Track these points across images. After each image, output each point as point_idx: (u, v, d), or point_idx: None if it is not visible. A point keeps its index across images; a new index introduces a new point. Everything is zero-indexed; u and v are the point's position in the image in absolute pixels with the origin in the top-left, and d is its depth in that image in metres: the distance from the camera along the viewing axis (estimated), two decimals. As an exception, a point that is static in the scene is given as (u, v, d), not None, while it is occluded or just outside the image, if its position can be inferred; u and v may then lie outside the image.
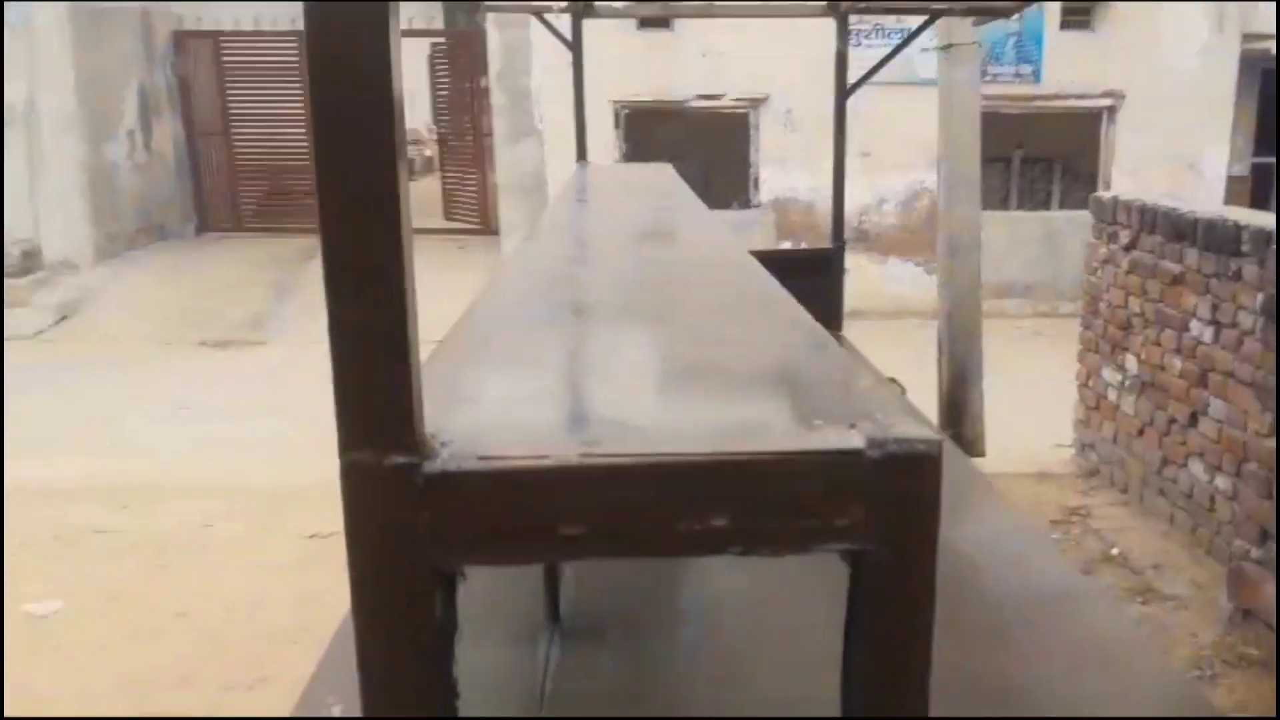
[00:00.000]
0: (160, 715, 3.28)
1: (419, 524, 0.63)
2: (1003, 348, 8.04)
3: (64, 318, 9.45)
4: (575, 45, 4.36)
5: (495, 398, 0.80)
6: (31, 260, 9.93)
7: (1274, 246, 3.79)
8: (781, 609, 1.75)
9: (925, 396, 5.76)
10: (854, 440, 0.66)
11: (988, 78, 9.57)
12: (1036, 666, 1.69)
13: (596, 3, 4.38)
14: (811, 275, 4.04)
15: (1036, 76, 9.59)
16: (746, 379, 0.88)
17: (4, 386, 6.60)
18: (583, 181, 2.90)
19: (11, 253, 9.86)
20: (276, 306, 9.85)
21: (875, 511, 0.65)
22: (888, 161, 9.46)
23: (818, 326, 1.05)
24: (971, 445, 5.16)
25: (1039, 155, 10.56)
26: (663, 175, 2.93)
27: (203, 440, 6.05)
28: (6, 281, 9.52)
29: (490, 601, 1.61)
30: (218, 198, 12.17)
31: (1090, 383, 5.38)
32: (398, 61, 0.61)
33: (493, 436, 0.69)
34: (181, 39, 11.81)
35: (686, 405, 0.79)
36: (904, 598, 0.66)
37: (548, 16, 4.59)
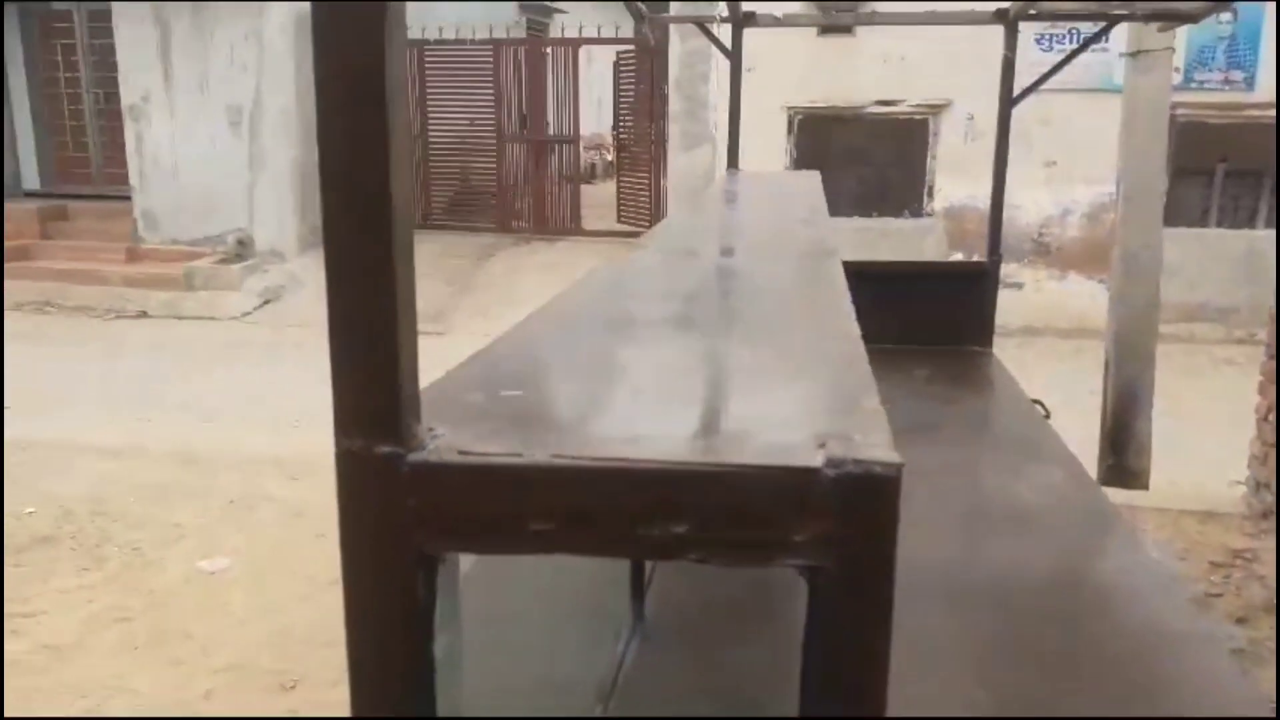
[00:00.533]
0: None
1: (404, 510, 0.70)
2: (1186, 375, 7.50)
3: (267, 302, 10.30)
4: (735, 55, 4.40)
5: (510, 396, 0.87)
6: (244, 248, 10.88)
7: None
8: None
9: (1090, 422, 5.48)
10: (814, 459, 0.68)
11: (1192, 84, 8.94)
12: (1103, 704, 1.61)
13: (757, 12, 4.40)
14: (963, 290, 3.91)
15: (1250, 84, 8.86)
16: (753, 393, 0.91)
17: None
18: (717, 190, 2.93)
19: (227, 240, 10.83)
20: (456, 300, 10.38)
21: (832, 530, 0.67)
22: (1075, 172, 8.98)
23: (856, 344, 1.06)
24: (1134, 477, 4.85)
25: (1246, 168, 9.75)
26: (804, 183, 2.93)
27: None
28: (223, 266, 10.49)
29: (578, 597, 1.68)
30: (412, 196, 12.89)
31: (1269, 417, 4.94)
32: (397, 60, 0.67)
33: (486, 432, 0.75)
34: (387, 46, 12.57)
35: (681, 414, 0.83)
36: (859, 616, 0.69)
37: (711, 27, 4.65)
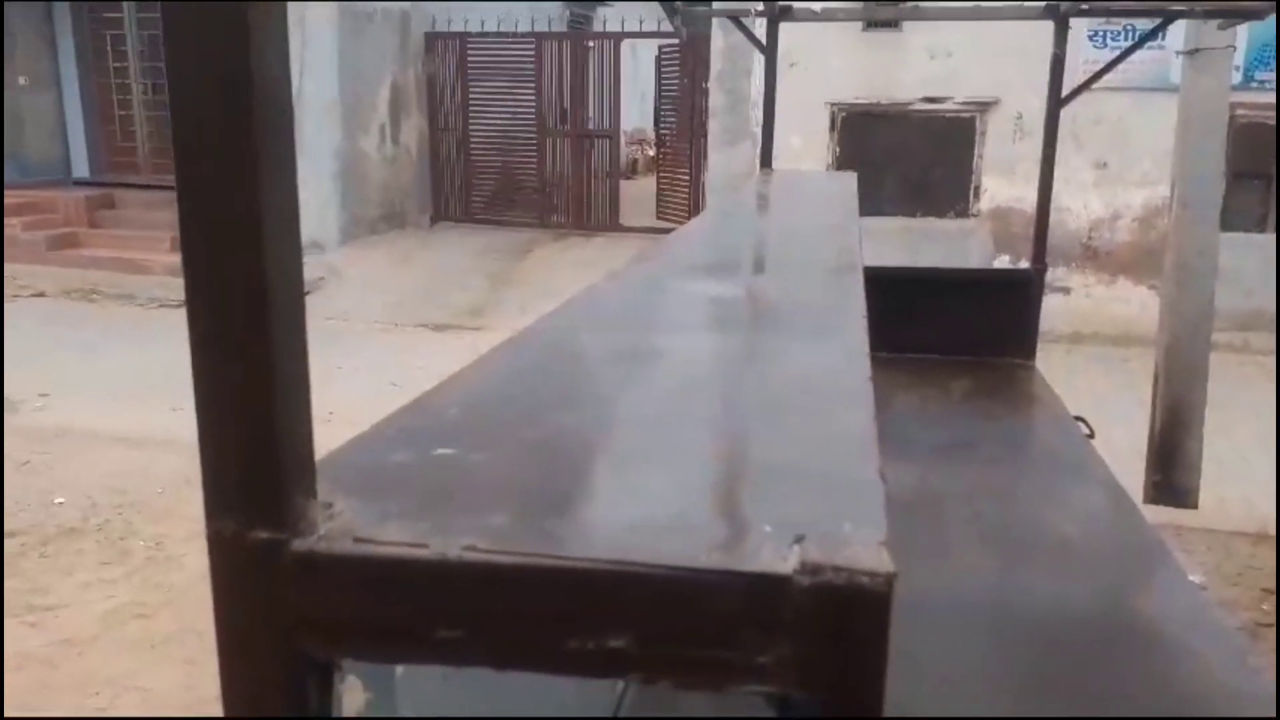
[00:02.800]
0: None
1: (285, 608, 0.59)
2: (1241, 387, 7.20)
3: (307, 293, 10.30)
4: (770, 49, 4.24)
5: (442, 456, 0.75)
6: (284, 240, 10.90)
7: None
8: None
9: (1137, 435, 5.25)
10: (784, 563, 0.56)
11: (1253, 84, 8.59)
12: None
13: (794, 5, 4.24)
14: (1006, 298, 3.73)
15: (1317, 83, 8.49)
16: (723, 459, 0.78)
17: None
18: (746, 192, 2.79)
19: (268, 233, 10.85)
20: (495, 295, 10.33)
21: (804, 652, 0.55)
22: (1127, 174, 8.69)
23: (861, 387, 0.93)
24: (1183, 496, 4.63)
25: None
26: (837, 186, 2.78)
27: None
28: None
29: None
30: (452, 190, 12.89)
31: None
32: (272, 67, 0.55)
33: (398, 509, 0.63)
34: (432, 39, 12.56)
35: (631, 490, 0.71)
36: None
37: (748, 21, 4.50)
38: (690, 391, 0.98)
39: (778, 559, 0.56)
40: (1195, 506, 4.72)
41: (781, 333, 1.22)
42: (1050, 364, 6.67)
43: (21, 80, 12.11)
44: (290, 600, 0.58)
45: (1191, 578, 4.06)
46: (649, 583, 0.56)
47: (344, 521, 0.61)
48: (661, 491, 0.71)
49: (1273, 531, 4.43)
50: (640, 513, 0.66)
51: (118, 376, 7.77)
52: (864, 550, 0.56)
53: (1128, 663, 1.77)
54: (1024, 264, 8.35)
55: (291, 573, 0.58)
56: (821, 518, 0.62)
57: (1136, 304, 8.76)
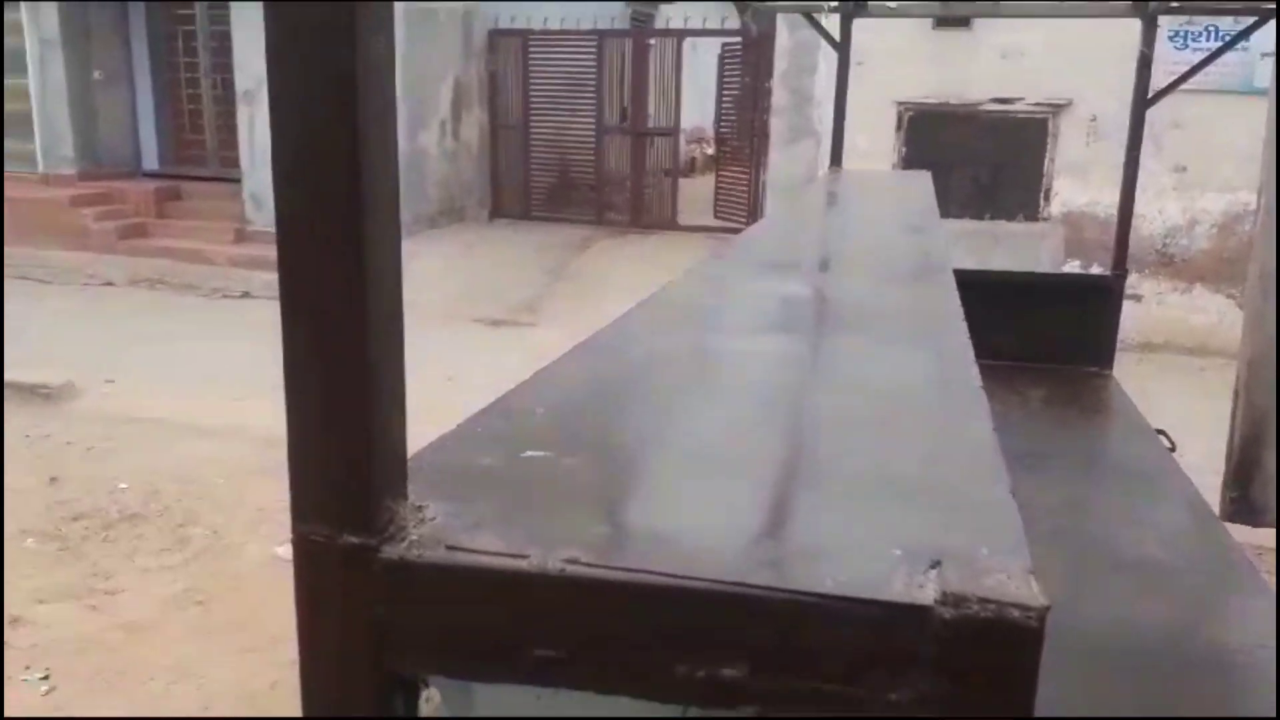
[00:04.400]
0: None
1: (372, 618, 0.54)
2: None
3: (366, 288, 10.42)
4: (843, 46, 4.15)
5: (533, 458, 0.70)
6: (346, 234, 11.03)
7: None
8: None
9: (1212, 449, 5.05)
10: (921, 591, 0.49)
11: (1346, 87, 8.25)
12: None
13: (869, 2, 4.14)
14: (1083, 305, 3.60)
15: None
16: (843, 477, 0.72)
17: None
18: (818, 190, 2.72)
19: (330, 226, 10.99)
20: (550, 291, 10.32)
21: (943, 691, 0.48)
22: (1207, 179, 8.40)
23: (976, 400, 0.86)
24: (1261, 514, 4.42)
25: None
26: (913, 185, 2.69)
27: (454, 408, 6.43)
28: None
29: None
30: (511, 186, 12.93)
31: None
32: (376, 69, 0.51)
33: (492, 514, 0.58)
34: (494, 37, 12.62)
35: (747, 506, 0.65)
36: None
37: (819, 17, 4.40)
38: (789, 397, 0.92)
39: (914, 587, 0.50)
40: (1274, 525, 4.51)
41: (877, 337, 1.15)
42: (1121, 373, 6.45)
43: (96, 74, 12.41)
44: (379, 610, 0.54)
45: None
46: (770, 608, 0.50)
47: (436, 527, 0.56)
48: (773, 506, 0.65)
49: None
50: (753, 529, 0.61)
51: (181, 365, 7.90)
52: (1010, 580, 0.50)
53: (1212, 688, 1.67)
54: (1096, 270, 8.13)
55: (381, 581, 0.53)
56: (953, 541, 0.55)
57: (1214, 313, 8.47)
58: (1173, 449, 2.85)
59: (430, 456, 0.67)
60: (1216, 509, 4.96)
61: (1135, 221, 9.80)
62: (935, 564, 0.52)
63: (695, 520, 0.62)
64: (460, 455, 0.69)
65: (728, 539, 0.58)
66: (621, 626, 0.52)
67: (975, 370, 0.96)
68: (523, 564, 0.53)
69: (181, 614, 4.14)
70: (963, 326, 1.15)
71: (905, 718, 0.49)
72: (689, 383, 0.95)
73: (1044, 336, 3.54)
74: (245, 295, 10.40)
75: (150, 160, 13.09)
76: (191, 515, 5.06)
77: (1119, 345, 8.48)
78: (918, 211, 2.31)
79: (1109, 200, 8.61)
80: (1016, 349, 3.52)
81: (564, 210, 12.55)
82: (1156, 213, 8.90)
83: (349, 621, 0.54)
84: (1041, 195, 9.27)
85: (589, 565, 0.53)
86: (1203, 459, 5.25)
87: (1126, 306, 9.56)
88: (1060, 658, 1.75)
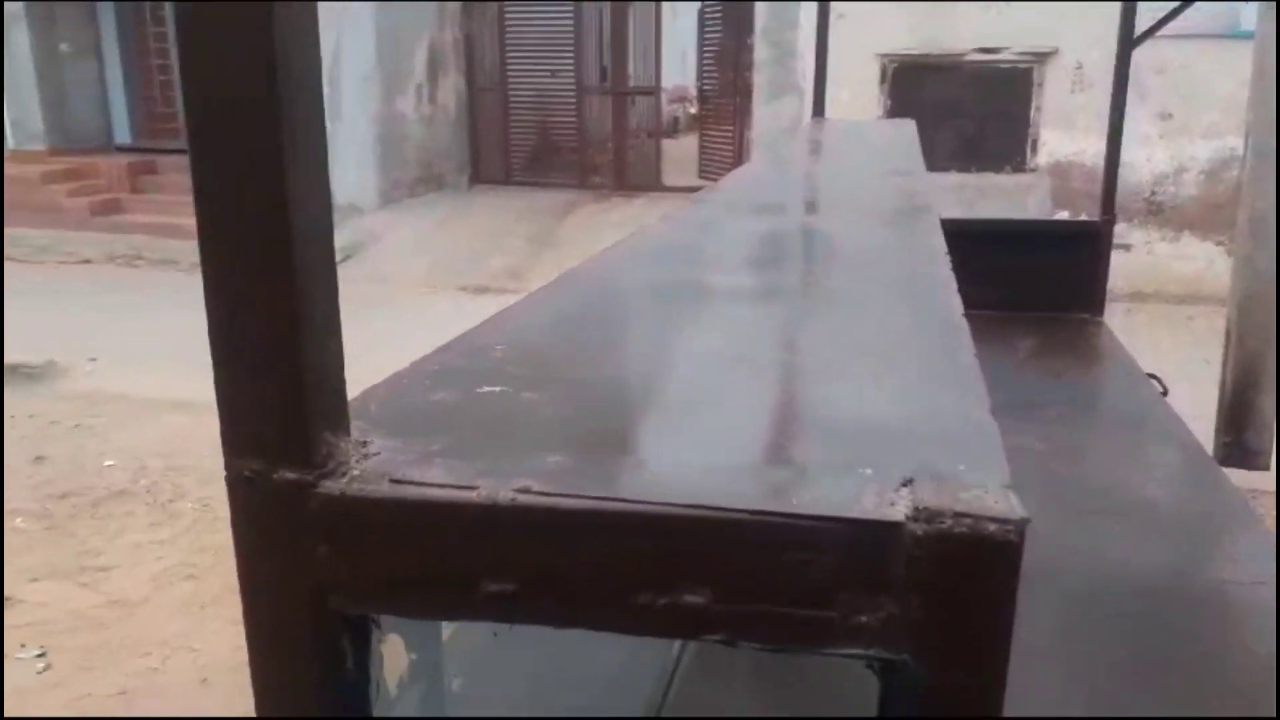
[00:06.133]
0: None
1: (314, 556, 0.51)
2: (1318, 345, 6.91)
3: (346, 258, 10.32)
4: (822, -4, 4.07)
5: (488, 394, 0.66)
6: (326, 204, 10.92)
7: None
8: None
9: (1203, 396, 5.06)
10: (893, 509, 0.46)
11: (1330, 27, 8.19)
12: None
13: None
14: (1071, 252, 3.57)
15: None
16: (815, 400, 0.69)
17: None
18: (801, 138, 2.66)
19: (310, 197, 10.88)
20: (533, 257, 10.25)
21: (916, 612, 0.46)
22: (1193, 125, 8.35)
23: (958, 330, 0.83)
24: (1254, 457, 4.44)
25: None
26: (896, 132, 2.64)
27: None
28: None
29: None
30: (491, 151, 12.79)
31: None
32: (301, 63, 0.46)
33: (441, 448, 0.55)
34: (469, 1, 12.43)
35: (713, 431, 0.62)
36: None
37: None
38: (759, 331, 0.89)
39: (884, 504, 0.47)
40: (1268, 468, 4.53)
41: (857, 272, 1.11)
42: (1111, 323, 6.42)
43: (63, 47, 12.18)
44: (320, 548, 0.50)
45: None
46: (732, 530, 0.47)
47: (380, 462, 0.52)
48: (740, 432, 0.62)
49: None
50: (716, 455, 0.57)
51: (163, 341, 7.80)
52: (987, 495, 0.47)
53: (1207, 625, 1.66)
54: (1084, 218, 8.09)
55: (320, 517, 0.50)
56: (929, 459, 0.52)
57: (1203, 260, 8.46)
58: (1165, 393, 2.84)
59: (380, 393, 0.64)
60: (1210, 453, 4.98)
61: (1122, 170, 9.73)
62: (908, 481, 0.49)
63: (656, 449, 0.59)
64: (412, 391, 0.66)
65: (689, 466, 0.55)
66: (577, 557, 0.49)
67: (957, 301, 0.93)
68: (472, 495, 0.50)
69: (173, 589, 4.12)
70: (946, 261, 1.12)
71: (877, 644, 0.47)
72: (657, 318, 0.92)
73: (1033, 285, 3.52)
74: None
75: (122, 133, 12.90)
76: (179, 490, 5.03)
77: (1108, 295, 8.46)
78: (901, 156, 2.27)
79: (1096, 149, 8.56)
80: (1007, 299, 3.49)
81: (546, 174, 12.43)
82: (1144, 160, 8.86)
83: (288, 561, 0.51)
84: (1028, 146, 9.22)
85: (542, 494, 0.50)
86: (1192, 406, 5.26)
87: (1116, 256, 9.53)
88: (1056, 598, 1.74)
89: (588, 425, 0.62)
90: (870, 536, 0.46)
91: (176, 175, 11.84)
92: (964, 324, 0.87)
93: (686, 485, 0.50)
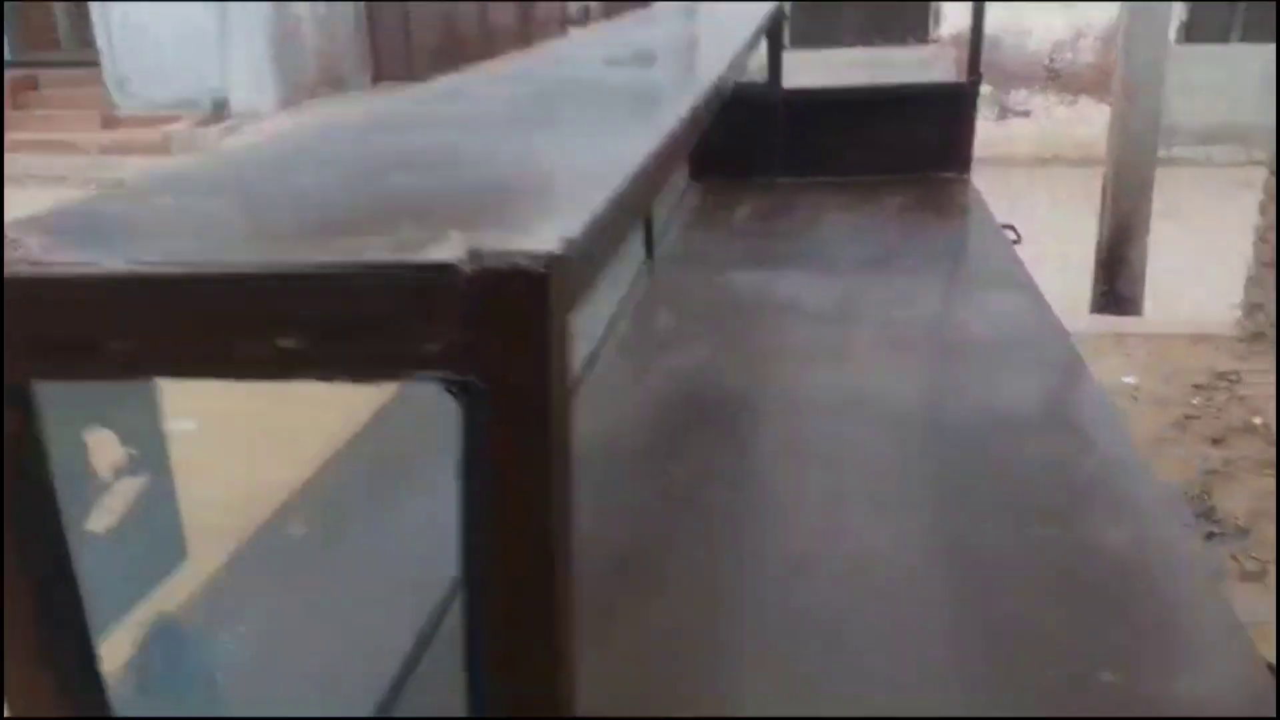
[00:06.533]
0: None
1: None
2: (1196, 199, 7.19)
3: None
4: None
5: (171, 204, 0.71)
6: (220, 109, 10.55)
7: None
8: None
9: (1091, 250, 5.26)
10: (445, 252, 0.53)
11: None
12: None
13: None
14: (940, 113, 3.64)
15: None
16: (443, 193, 0.76)
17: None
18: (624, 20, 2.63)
19: (202, 102, 10.50)
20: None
21: (471, 337, 0.53)
22: (1089, -11, 8.42)
23: (658, 127, 0.89)
24: (1127, 304, 4.68)
25: (1275, -25, 9.11)
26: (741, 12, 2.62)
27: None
28: (198, 130, 10.21)
29: None
30: (392, 48, 12.40)
31: (1268, 236, 4.69)
32: None
33: (79, 243, 0.60)
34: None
35: (323, 214, 0.69)
36: (514, 440, 0.55)
37: None
38: (468, 141, 0.94)
39: (445, 251, 0.54)
40: (1140, 313, 4.77)
41: (603, 95, 1.17)
42: (1012, 188, 6.55)
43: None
44: None
45: (1126, 379, 4.13)
46: (310, 283, 0.55)
47: (24, 252, 0.58)
48: (344, 207, 0.70)
49: (1214, 332, 4.49)
50: (320, 226, 0.65)
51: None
52: (533, 239, 0.54)
53: (1019, 451, 1.78)
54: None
55: None
56: (514, 226, 0.60)
57: (1099, 125, 8.63)
58: (1018, 241, 2.96)
59: (45, 213, 0.68)
60: (1086, 302, 5.21)
61: (1022, 38, 9.82)
62: (473, 233, 0.56)
63: (267, 224, 0.65)
64: (94, 205, 0.71)
65: (290, 234, 0.61)
66: (183, 315, 0.55)
67: (674, 114, 0.99)
68: (90, 269, 0.56)
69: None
70: (692, 93, 1.17)
71: (447, 368, 0.54)
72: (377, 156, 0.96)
73: (904, 148, 3.59)
74: (121, 183, 9.95)
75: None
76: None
77: (1010, 161, 8.56)
78: (743, 23, 2.28)
79: (993, 20, 8.60)
80: (879, 163, 3.58)
81: (451, 69, 12.09)
82: (1043, 26, 8.94)
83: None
84: (930, 18, 9.23)
85: (148, 264, 0.56)
86: (1081, 260, 5.48)
87: (1017, 122, 9.66)
88: (867, 423, 1.86)
89: (230, 221, 0.68)
90: (430, 277, 0.53)
91: (60, 89, 11.31)
92: (672, 126, 0.93)
93: (281, 246, 0.56)
